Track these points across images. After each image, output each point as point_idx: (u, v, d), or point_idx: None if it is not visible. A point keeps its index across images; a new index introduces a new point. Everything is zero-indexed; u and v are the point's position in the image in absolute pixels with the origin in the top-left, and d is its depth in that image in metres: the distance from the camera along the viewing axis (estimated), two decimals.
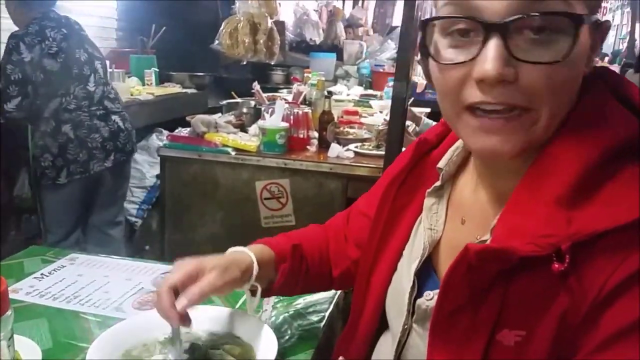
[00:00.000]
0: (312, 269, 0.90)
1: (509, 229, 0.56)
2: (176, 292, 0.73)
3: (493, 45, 0.53)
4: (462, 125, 0.59)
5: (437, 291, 0.65)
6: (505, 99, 0.54)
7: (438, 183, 0.73)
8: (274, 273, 0.86)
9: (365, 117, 2.87)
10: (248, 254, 0.81)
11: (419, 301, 0.69)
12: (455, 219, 0.71)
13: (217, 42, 2.95)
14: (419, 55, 0.62)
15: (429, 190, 0.73)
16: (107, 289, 1.08)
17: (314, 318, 1.01)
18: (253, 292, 0.82)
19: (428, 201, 0.73)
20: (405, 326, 0.71)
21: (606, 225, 0.50)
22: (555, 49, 0.53)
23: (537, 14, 0.52)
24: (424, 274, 0.70)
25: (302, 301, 1.06)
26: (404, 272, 0.73)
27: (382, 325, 0.78)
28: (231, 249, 0.84)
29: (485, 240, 0.61)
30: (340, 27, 5.71)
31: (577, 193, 0.53)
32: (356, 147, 2.27)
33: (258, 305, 0.91)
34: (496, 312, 0.55)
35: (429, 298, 0.67)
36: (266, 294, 0.87)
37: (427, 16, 0.62)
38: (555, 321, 0.52)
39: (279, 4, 3.35)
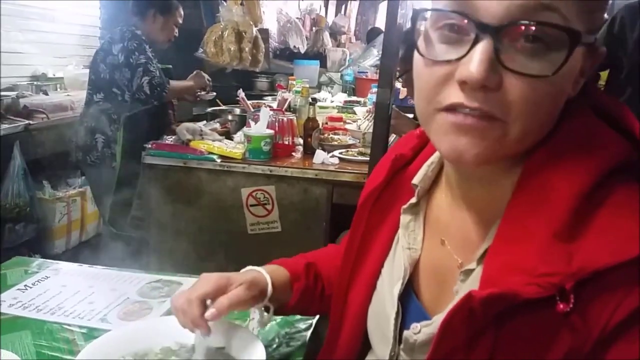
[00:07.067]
0: (327, 289, 0.89)
1: (503, 264, 0.54)
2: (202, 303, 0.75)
3: (482, 48, 0.50)
4: (435, 125, 0.56)
5: (423, 322, 0.64)
6: (484, 106, 0.52)
7: (413, 200, 0.70)
8: (289, 293, 0.86)
9: (349, 123, 2.88)
10: (264, 274, 0.82)
11: (405, 334, 0.66)
12: (433, 238, 0.69)
13: (201, 50, 2.95)
14: (403, 48, 0.58)
15: (404, 206, 0.71)
16: (91, 299, 1.07)
17: (302, 325, 1.00)
18: (266, 309, 0.83)
19: (404, 218, 0.71)
20: (392, 353, 0.69)
21: (609, 261, 0.48)
22: (546, 63, 0.50)
23: (534, 22, 0.49)
24: (406, 298, 0.69)
25: None
26: (386, 294, 0.71)
27: (364, 343, 0.76)
28: (247, 268, 0.84)
29: (472, 270, 0.60)
30: (327, 36, 5.75)
31: (574, 224, 0.51)
32: (341, 153, 2.28)
33: (245, 314, 0.91)
34: (493, 349, 0.53)
35: (416, 331, 0.65)
36: (281, 312, 0.87)
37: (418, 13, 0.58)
38: (559, 358, 0.51)
39: (263, 11, 3.36)
